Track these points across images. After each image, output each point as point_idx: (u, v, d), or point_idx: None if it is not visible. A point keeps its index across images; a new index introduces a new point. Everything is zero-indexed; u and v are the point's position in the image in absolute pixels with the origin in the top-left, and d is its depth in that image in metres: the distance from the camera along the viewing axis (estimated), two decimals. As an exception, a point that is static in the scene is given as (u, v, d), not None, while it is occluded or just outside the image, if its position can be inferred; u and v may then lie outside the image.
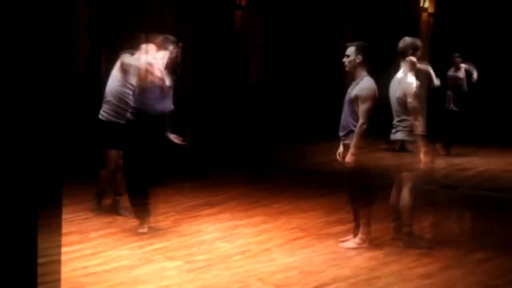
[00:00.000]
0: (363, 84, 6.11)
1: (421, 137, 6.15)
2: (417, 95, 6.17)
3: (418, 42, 6.37)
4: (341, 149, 6.30)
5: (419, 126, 6.13)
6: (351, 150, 6.07)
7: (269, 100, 12.71)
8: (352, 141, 6.08)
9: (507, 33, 13.22)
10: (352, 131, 6.10)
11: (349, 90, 6.25)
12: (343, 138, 6.23)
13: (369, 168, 6.17)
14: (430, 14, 12.07)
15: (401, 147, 6.25)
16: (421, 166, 6.17)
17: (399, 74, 6.30)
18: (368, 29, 12.06)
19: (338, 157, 6.35)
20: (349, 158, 6.09)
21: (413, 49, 6.30)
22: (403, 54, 6.31)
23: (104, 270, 5.44)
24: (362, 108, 6.06)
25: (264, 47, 12.99)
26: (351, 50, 6.20)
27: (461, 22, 12.77)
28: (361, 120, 6.06)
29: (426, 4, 11.97)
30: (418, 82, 6.24)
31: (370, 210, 6.25)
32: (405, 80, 6.22)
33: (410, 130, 6.17)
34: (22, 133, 3.16)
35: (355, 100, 6.10)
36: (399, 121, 6.25)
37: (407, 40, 6.35)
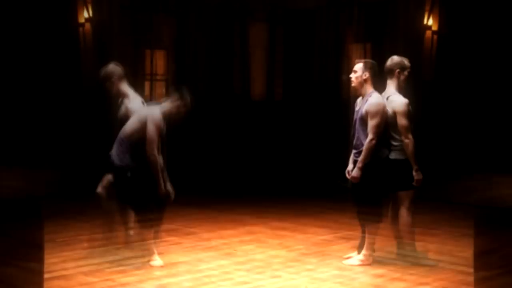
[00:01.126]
0: (372, 100, 6.10)
1: (412, 155, 6.15)
2: (407, 113, 6.17)
3: (406, 62, 6.33)
4: (350, 166, 6.29)
5: (410, 144, 6.13)
6: (359, 164, 6.06)
7: (273, 118, 12.57)
8: (361, 156, 6.07)
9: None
10: None
11: (357, 109, 6.26)
12: (356, 155, 6.21)
13: (380, 185, 6.14)
14: (434, 32, 12.10)
15: (395, 165, 6.22)
16: (414, 184, 6.16)
17: (387, 93, 6.29)
18: (372, 46, 12.10)
19: (347, 174, 6.34)
20: (355, 172, 6.08)
21: (400, 68, 6.30)
22: (390, 73, 6.32)
23: (109, 285, 5.44)
24: (371, 123, 6.05)
25: (268, 62, 12.91)
26: (358, 66, 6.22)
27: (466, 40, 12.80)
28: (370, 136, 6.04)
29: (430, 22, 12.01)
30: (407, 100, 6.24)
31: (377, 227, 6.24)
32: (395, 98, 6.22)
33: (401, 149, 6.17)
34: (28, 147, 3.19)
35: (366, 117, 6.09)
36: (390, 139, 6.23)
37: (395, 58, 6.33)
